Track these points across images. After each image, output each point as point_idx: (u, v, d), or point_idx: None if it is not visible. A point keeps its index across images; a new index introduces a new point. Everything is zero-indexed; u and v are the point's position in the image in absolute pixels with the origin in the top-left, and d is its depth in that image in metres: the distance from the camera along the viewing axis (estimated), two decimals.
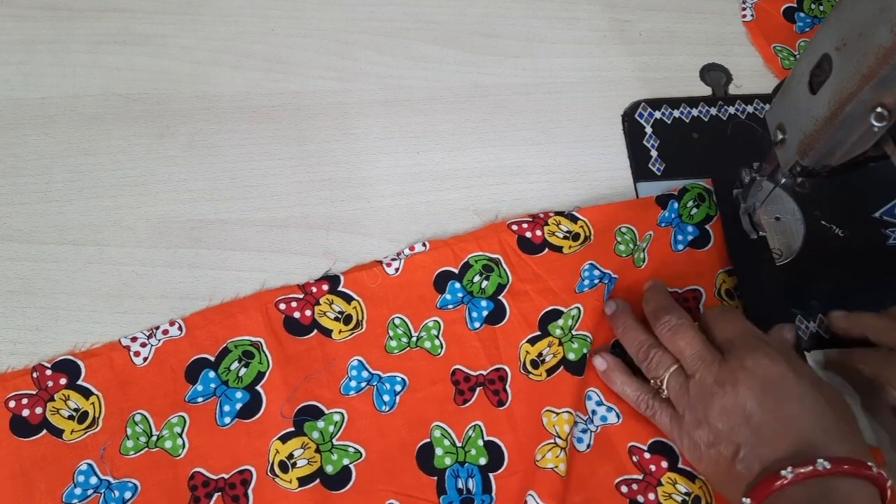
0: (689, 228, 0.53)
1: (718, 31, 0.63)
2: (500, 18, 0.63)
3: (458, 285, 0.50)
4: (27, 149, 0.53)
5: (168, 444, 0.45)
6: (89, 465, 0.44)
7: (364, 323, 0.49)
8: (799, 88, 0.42)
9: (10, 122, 0.54)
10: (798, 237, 0.54)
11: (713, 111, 0.59)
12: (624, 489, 0.45)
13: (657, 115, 0.58)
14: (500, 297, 0.50)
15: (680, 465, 0.46)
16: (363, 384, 0.47)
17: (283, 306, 0.48)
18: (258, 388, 0.46)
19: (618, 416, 0.47)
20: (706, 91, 0.60)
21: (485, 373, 0.48)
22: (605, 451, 0.46)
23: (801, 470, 0.38)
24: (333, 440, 0.45)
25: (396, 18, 0.62)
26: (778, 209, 0.55)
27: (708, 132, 0.58)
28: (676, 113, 0.59)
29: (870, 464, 0.39)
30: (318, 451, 0.45)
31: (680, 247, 0.53)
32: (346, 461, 0.45)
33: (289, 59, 0.59)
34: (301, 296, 0.49)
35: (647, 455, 0.46)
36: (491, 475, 0.45)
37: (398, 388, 0.47)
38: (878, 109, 0.37)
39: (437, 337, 0.49)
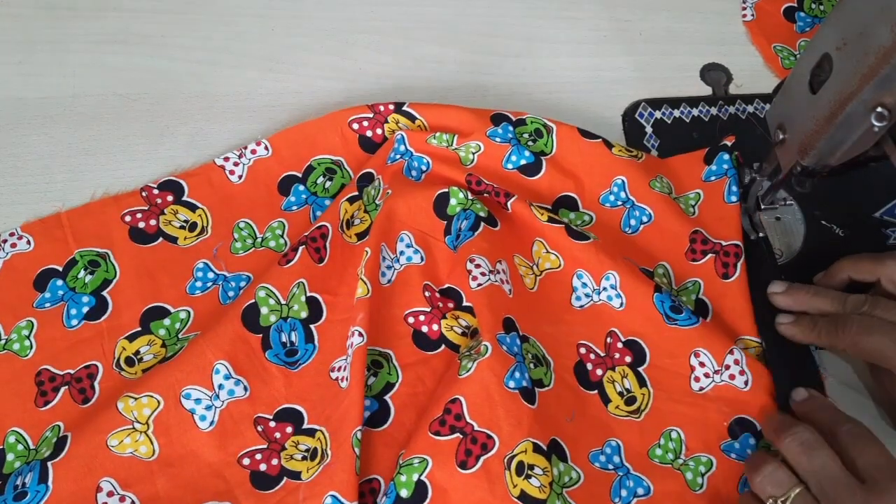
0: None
1: (718, 31, 0.63)
2: (500, 18, 0.63)
3: (301, 188, 0.52)
4: (27, 149, 0.53)
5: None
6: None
7: (209, 228, 0.50)
8: (799, 88, 0.42)
9: (10, 122, 0.54)
10: (798, 237, 0.54)
11: (713, 111, 0.59)
12: (582, 350, 0.49)
13: (657, 114, 0.58)
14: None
15: (640, 370, 0.48)
16: (209, 284, 0.49)
17: (128, 218, 0.50)
18: (105, 293, 0.48)
19: (621, 305, 0.49)
20: (706, 91, 0.60)
21: (307, 233, 0.49)
22: (590, 320, 0.49)
23: None
24: (179, 335, 0.47)
25: (396, 18, 0.62)
26: (778, 209, 0.55)
27: (708, 132, 0.58)
28: (677, 113, 0.59)
29: None
30: (163, 346, 0.46)
31: (733, 198, 0.52)
32: (185, 344, 0.46)
33: (289, 59, 0.59)
34: (147, 207, 0.50)
35: (619, 345, 0.48)
36: (312, 326, 0.47)
37: (243, 283, 0.49)
38: (879, 109, 0.37)
39: (282, 236, 0.51)
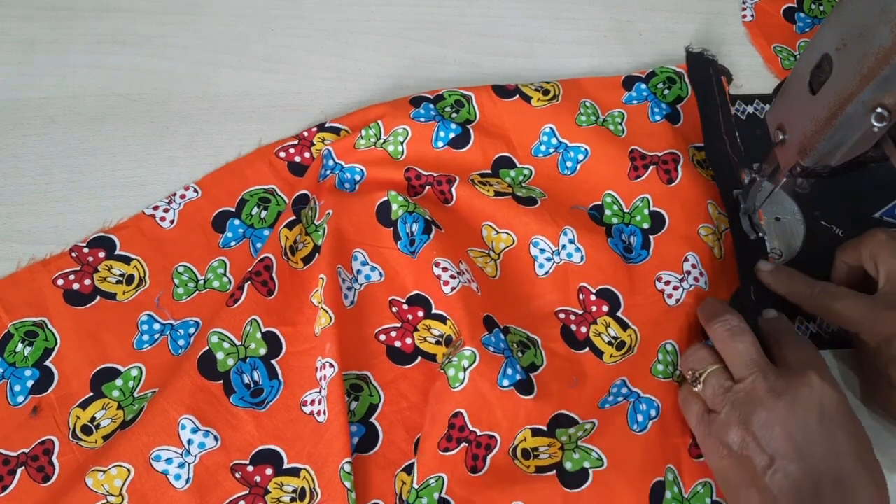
0: (664, 105, 0.56)
1: (718, 31, 0.63)
2: (500, 18, 0.63)
3: (237, 222, 0.51)
4: (27, 149, 0.53)
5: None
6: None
7: (147, 279, 0.49)
8: (799, 89, 0.42)
9: (10, 122, 0.54)
10: (798, 237, 0.54)
11: None
12: (562, 315, 0.50)
13: None
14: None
15: (619, 314, 0.49)
16: (156, 336, 0.47)
17: (61, 281, 0.48)
18: (48, 363, 0.46)
19: (582, 259, 0.50)
20: None
21: (250, 268, 0.48)
22: (559, 283, 0.50)
23: None
24: (134, 394, 0.46)
25: (396, 18, 0.62)
26: (778, 209, 0.55)
27: None
28: None
29: None
30: (119, 407, 0.45)
31: (657, 118, 0.56)
32: (143, 404, 0.45)
33: (289, 59, 0.59)
34: (79, 267, 0.48)
35: (592, 297, 0.50)
36: (273, 362, 0.46)
37: (192, 329, 0.48)
38: (878, 110, 0.37)
39: (225, 275, 0.49)
